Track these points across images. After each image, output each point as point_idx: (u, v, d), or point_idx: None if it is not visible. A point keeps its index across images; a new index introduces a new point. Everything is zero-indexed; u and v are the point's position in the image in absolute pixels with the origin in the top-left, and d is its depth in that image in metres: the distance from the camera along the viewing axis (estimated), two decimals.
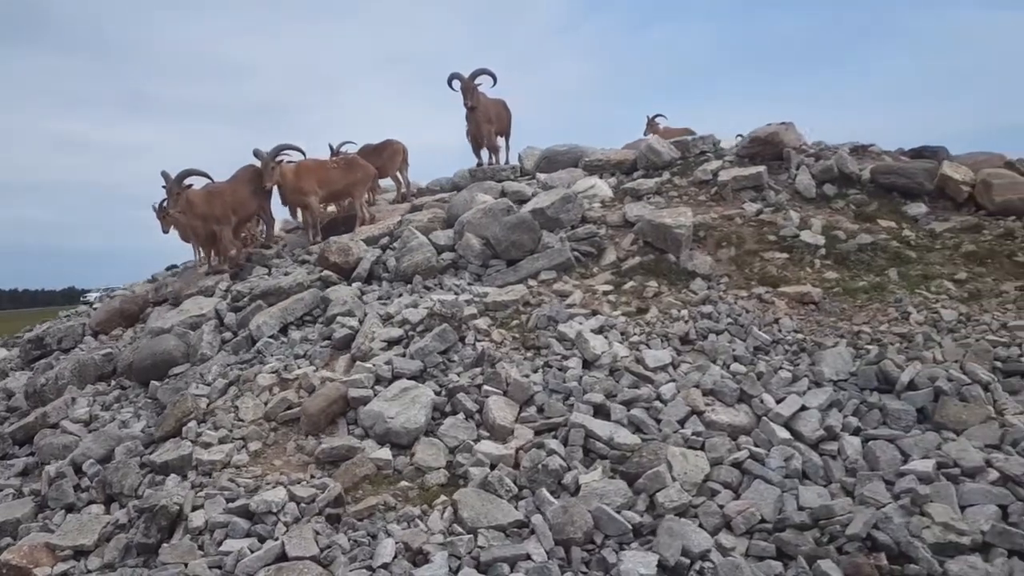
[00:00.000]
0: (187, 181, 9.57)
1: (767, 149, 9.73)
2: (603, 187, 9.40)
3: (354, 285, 8.29)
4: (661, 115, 15.88)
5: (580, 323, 6.67)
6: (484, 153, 12.45)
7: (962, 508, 4.73)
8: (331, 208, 11.79)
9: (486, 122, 12.05)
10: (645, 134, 14.31)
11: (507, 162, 12.67)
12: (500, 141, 13.04)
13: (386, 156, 11.97)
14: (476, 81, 11.76)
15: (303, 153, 10.24)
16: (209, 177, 9.81)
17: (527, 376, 6.10)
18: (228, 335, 7.99)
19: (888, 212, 8.81)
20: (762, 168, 9.20)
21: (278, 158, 9.97)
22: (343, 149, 12.61)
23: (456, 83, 11.68)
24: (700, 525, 4.83)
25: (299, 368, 6.83)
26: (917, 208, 8.85)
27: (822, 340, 6.26)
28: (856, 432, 5.41)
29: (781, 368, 6.02)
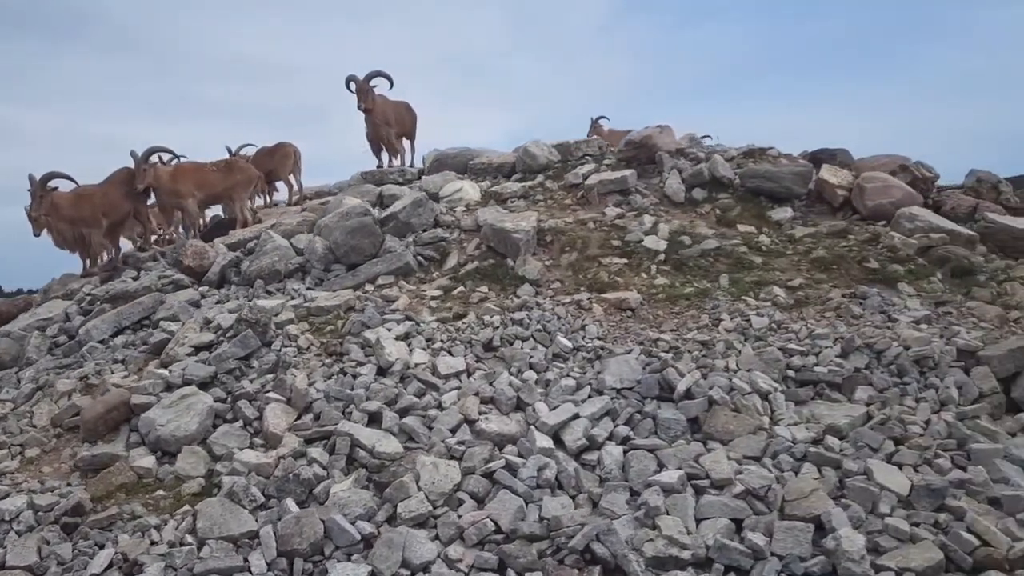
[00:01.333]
0: (52, 184, 9.58)
1: (642, 153, 9.68)
2: (470, 190, 9.36)
3: (201, 289, 8.28)
4: (604, 117, 15.88)
5: (389, 329, 6.63)
6: (386, 156, 12.48)
7: (699, 521, 4.67)
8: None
9: (384, 124, 12.07)
10: (589, 135, 14.28)
11: (411, 164, 12.67)
12: (406, 144, 13.08)
13: (277, 159, 12.00)
14: (372, 83, 11.78)
15: (175, 155, 10.26)
16: (74, 180, 9.81)
17: (313, 383, 6.06)
18: (63, 339, 7.98)
19: (752, 217, 8.74)
20: (628, 172, 9.14)
21: (150, 160, 9.98)
22: (242, 152, 12.63)
23: (352, 85, 11.72)
24: (436, 536, 4.78)
25: (112, 373, 6.82)
26: (783, 213, 8.78)
27: (613, 348, 6.19)
28: (624, 441, 5.34)
29: (568, 375, 5.96)
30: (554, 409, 5.58)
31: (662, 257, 7.66)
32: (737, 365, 5.95)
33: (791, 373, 5.88)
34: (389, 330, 6.61)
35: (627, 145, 9.78)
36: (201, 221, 11.67)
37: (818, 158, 10.96)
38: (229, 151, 12.46)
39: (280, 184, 12.73)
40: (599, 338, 6.42)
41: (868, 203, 8.86)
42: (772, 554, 4.35)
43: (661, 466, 5.09)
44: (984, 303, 7.40)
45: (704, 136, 15.77)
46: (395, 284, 7.67)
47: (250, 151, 12.49)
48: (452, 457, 5.28)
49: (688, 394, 5.58)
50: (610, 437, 5.38)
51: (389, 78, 11.85)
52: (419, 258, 8.00)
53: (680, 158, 9.69)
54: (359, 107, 11.53)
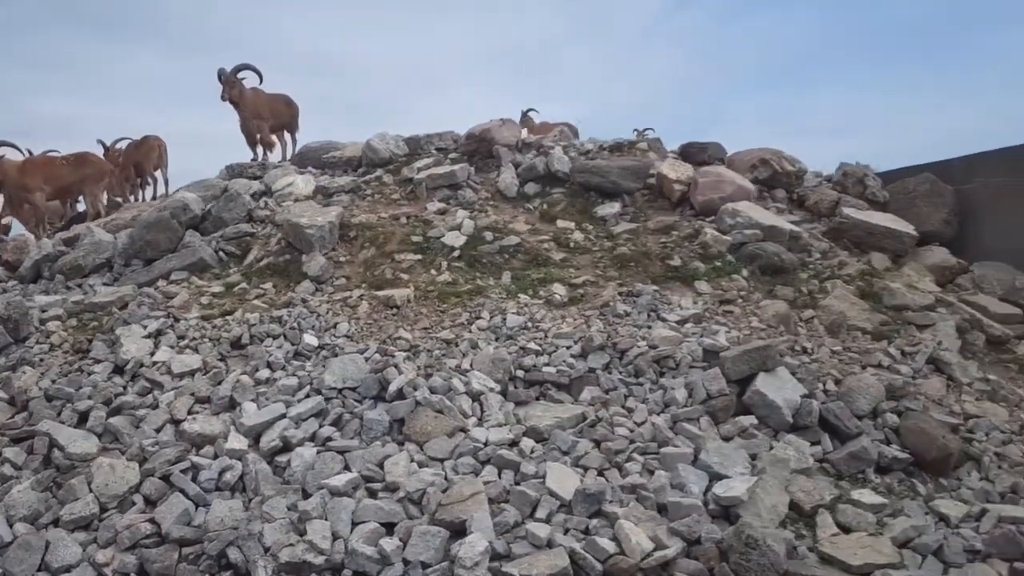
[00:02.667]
0: None
1: (482, 147, 9.57)
2: (302, 185, 9.27)
3: (6, 284, 8.26)
4: (534, 109, 15.69)
5: (145, 326, 6.57)
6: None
7: (356, 525, 4.58)
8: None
9: (255, 117, 11.99)
10: (521, 126, 14.19)
11: (285, 158, 12.61)
12: (287, 137, 13.01)
13: (142, 153, 11.95)
14: (240, 76, 11.72)
15: (20, 150, 10.24)
16: None
17: (40, 382, 6.01)
18: None
19: (577, 212, 8.62)
20: (458, 167, 9.03)
21: None
22: (118, 145, 12.61)
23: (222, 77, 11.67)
24: (95, 540, 4.73)
25: None
26: (609, 208, 8.65)
27: (344, 347, 6.11)
28: (324, 443, 5.25)
29: (294, 375, 5.88)
30: (262, 409, 5.51)
31: (457, 253, 7.56)
32: (471, 365, 5.86)
33: (520, 373, 5.78)
34: (144, 327, 6.55)
35: (468, 139, 9.67)
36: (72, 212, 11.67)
37: (688, 151, 10.84)
38: (103, 145, 12.43)
39: None
40: (347, 336, 6.34)
41: (699, 198, 8.73)
42: (404, 560, 4.27)
43: (347, 468, 5.02)
44: (786, 301, 7.29)
45: (646, 129, 15.59)
46: (187, 280, 7.61)
47: (125, 144, 12.46)
48: (144, 459, 5.22)
49: (400, 394, 5.50)
50: (312, 438, 5.30)
51: (258, 72, 11.78)
52: (221, 253, 7.94)
53: (523, 152, 9.57)
54: (223, 98, 11.47)
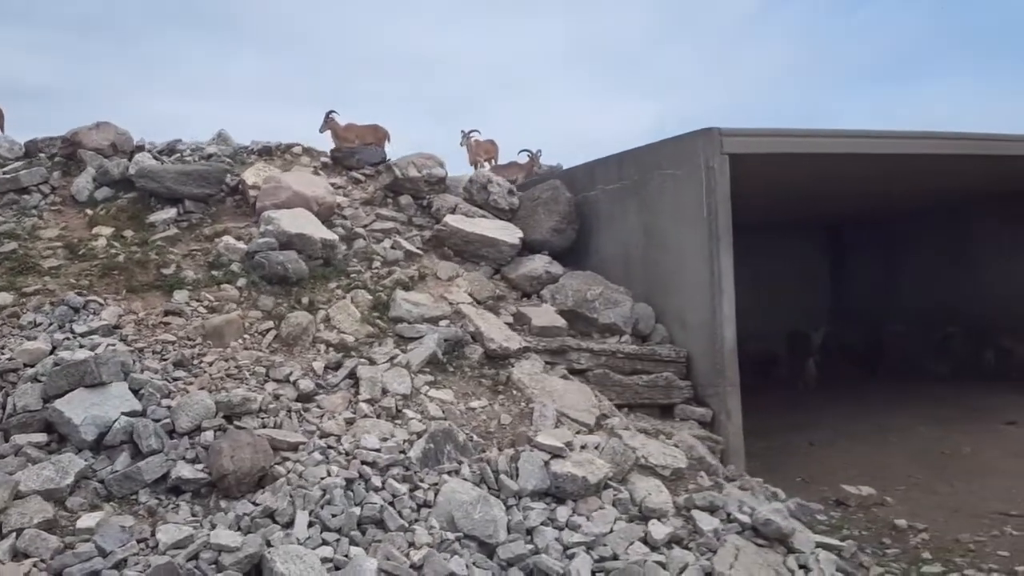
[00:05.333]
0: None
1: (73, 151, 9.48)
2: None
3: None
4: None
5: None
6: None
7: None
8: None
9: None
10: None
11: None
12: None
13: None
14: None
15: None
16: None
17: None
18: None
19: (128, 218, 8.57)
20: (24, 172, 8.96)
21: None
22: None
23: None
24: None
25: None
26: (164, 214, 8.57)
27: None
28: None
29: None
30: None
31: None
32: None
33: None
34: None
35: (63, 143, 9.59)
36: None
37: (336, 156, 10.78)
38: None
39: None
40: None
41: (258, 205, 8.65)
42: None
43: None
44: (263, 312, 7.23)
45: (472, 130, 15.28)
46: None
47: None
48: None
49: None
50: None
51: None
52: None
53: (117, 156, 9.47)
54: None
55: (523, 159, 13.22)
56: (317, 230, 8.14)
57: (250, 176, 9.04)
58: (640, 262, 9.04)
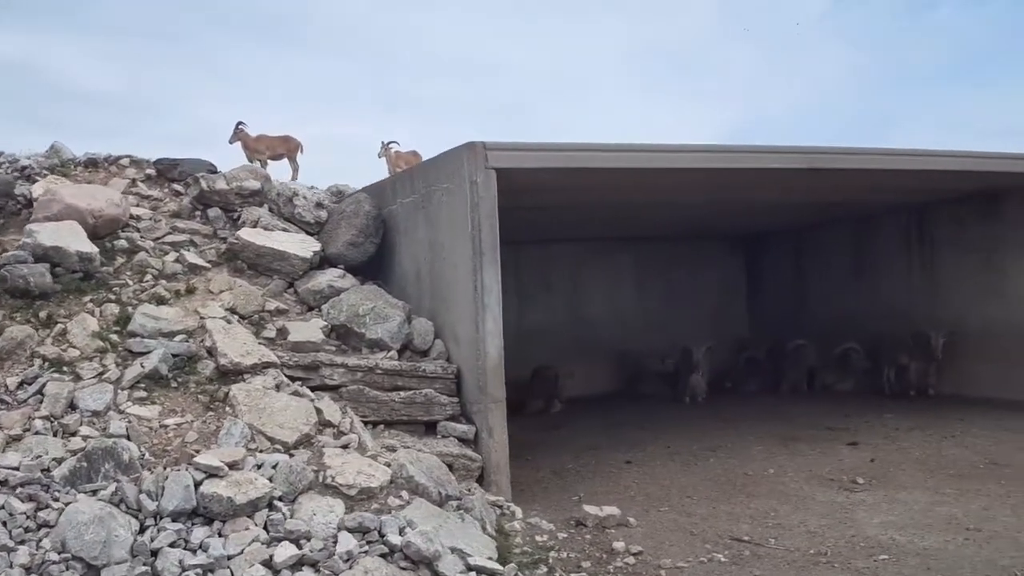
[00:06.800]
0: None
1: None
2: None
3: None
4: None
5: None
6: None
7: None
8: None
9: None
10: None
11: None
12: None
13: None
14: None
15: None
16: None
17: None
18: None
19: None
20: None
21: None
22: None
23: None
24: None
25: None
26: None
27: None
28: None
29: None
30: None
31: None
32: None
33: None
34: None
35: None
36: None
37: (159, 167, 10.86)
38: None
39: None
40: None
41: (31, 218, 8.71)
42: None
43: None
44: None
45: (391, 142, 15.34)
46: None
47: None
48: None
49: None
50: None
51: None
52: None
53: None
54: None
55: None
56: (76, 243, 8.14)
57: (38, 189, 9.12)
58: (428, 277, 8.97)
